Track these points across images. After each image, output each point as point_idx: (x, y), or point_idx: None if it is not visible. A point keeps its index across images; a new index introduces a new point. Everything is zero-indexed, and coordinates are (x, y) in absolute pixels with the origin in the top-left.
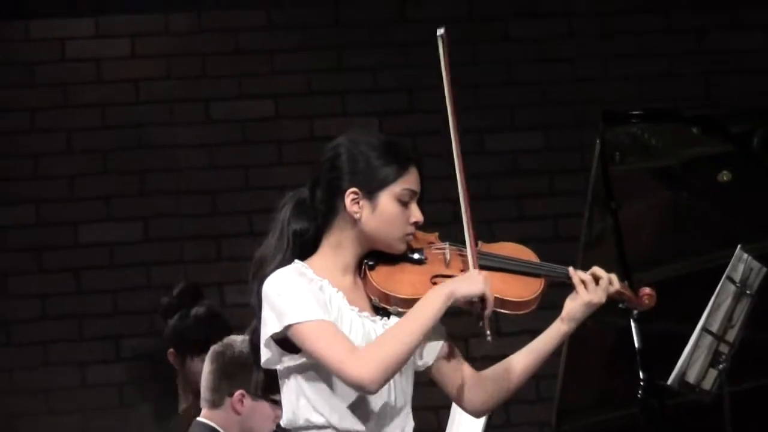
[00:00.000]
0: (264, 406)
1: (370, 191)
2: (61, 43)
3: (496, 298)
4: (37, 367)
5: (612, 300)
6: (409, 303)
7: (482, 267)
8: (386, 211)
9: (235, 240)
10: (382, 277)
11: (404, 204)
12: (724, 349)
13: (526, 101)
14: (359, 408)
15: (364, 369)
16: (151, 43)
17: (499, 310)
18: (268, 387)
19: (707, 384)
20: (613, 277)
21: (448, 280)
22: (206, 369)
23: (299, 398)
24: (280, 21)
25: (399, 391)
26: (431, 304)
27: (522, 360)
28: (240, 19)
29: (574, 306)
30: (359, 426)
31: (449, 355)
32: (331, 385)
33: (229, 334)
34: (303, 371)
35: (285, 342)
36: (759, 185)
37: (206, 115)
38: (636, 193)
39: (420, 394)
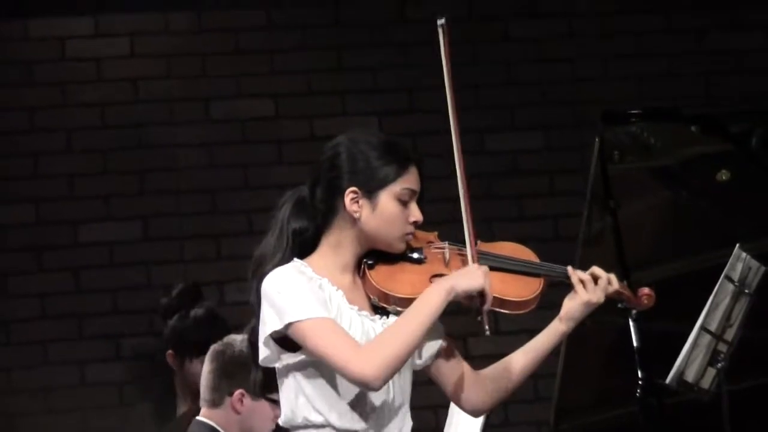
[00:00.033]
0: (264, 406)
1: (369, 190)
2: (61, 42)
3: (495, 297)
4: (36, 367)
5: (611, 300)
6: (408, 302)
7: None
8: (386, 210)
9: (234, 239)
10: (382, 276)
11: (404, 203)
12: (722, 348)
13: (526, 101)
14: (358, 406)
15: (368, 366)
16: (150, 42)
17: (498, 309)
18: (267, 386)
19: (706, 383)
20: (612, 276)
21: (448, 276)
22: (206, 368)
23: (298, 396)
24: (280, 21)
25: (397, 390)
26: (432, 300)
27: (520, 359)
28: (240, 19)
29: (572, 305)
30: (358, 425)
31: (448, 354)
32: (330, 383)
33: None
34: (302, 369)
35: (284, 340)
36: (758, 185)
37: (206, 114)
38: (635, 192)
39: (418, 393)
